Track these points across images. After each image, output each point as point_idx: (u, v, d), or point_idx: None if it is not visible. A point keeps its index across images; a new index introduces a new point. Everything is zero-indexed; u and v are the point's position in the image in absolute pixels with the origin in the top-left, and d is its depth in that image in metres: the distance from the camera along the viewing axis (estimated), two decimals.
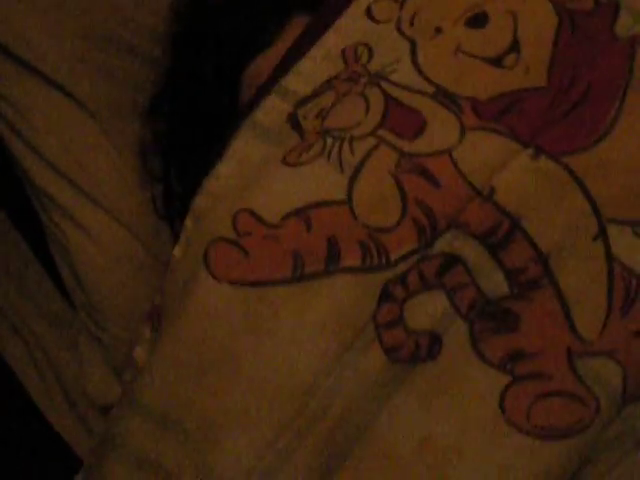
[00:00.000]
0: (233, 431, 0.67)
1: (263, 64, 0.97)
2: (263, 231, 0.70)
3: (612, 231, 0.66)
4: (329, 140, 0.71)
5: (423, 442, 0.66)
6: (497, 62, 0.72)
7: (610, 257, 0.66)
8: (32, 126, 1.10)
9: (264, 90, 0.80)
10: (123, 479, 0.72)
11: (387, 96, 0.72)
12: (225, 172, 0.77)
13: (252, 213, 0.71)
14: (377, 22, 0.78)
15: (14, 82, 1.11)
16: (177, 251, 0.78)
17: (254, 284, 0.69)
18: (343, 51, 0.77)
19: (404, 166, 0.69)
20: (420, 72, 0.73)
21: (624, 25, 0.74)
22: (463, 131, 0.70)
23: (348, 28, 0.79)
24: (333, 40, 0.79)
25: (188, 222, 0.79)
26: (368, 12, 0.78)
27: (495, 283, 0.66)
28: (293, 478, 0.67)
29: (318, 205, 0.69)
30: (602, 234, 0.66)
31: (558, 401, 0.65)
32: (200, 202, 0.78)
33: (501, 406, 0.65)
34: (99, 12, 1.13)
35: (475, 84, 0.72)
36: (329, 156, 0.70)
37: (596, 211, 0.66)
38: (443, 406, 0.66)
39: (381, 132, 0.70)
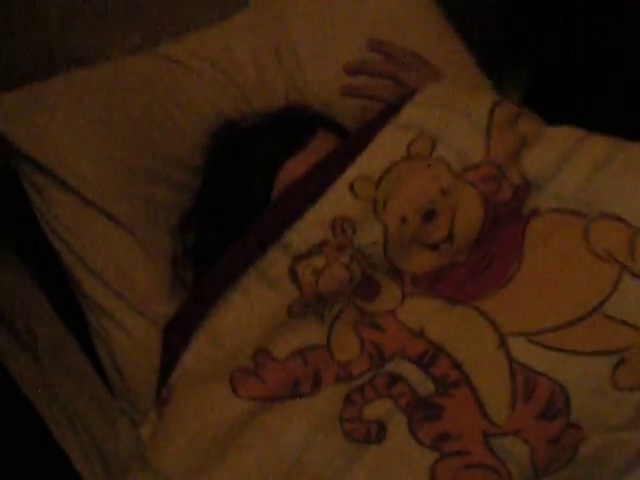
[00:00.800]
0: None
1: (293, 165, 1.19)
2: (274, 365, 0.97)
3: (510, 341, 0.89)
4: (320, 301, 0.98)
5: None
6: (435, 247, 0.98)
7: (511, 360, 0.88)
8: (83, 245, 1.28)
9: (267, 240, 1.02)
10: None
11: (363, 271, 0.98)
12: (240, 305, 1.02)
13: (266, 352, 0.98)
14: (358, 198, 1.00)
15: (69, 209, 1.29)
16: (188, 361, 1.01)
17: (264, 399, 0.95)
18: (332, 223, 1.00)
19: (361, 320, 0.97)
20: (385, 253, 0.98)
21: (529, 204, 0.99)
22: (404, 296, 0.97)
23: (335, 200, 1.01)
24: (326, 209, 1.01)
25: (203, 338, 1.02)
26: (351, 188, 1.01)
27: (425, 387, 0.92)
28: None
29: (309, 348, 0.96)
30: (502, 344, 0.89)
31: (478, 472, 0.87)
32: (220, 325, 1.01)
33: (432, 477, 0.87)
34: (139, 150, 1.32)
35: (417, 264, 1.00)
36: (316, 312, 0.98)
37: (496, 330, 0.90)
38: (387, 477, 0.90)
39: (352, 297, 0.98)
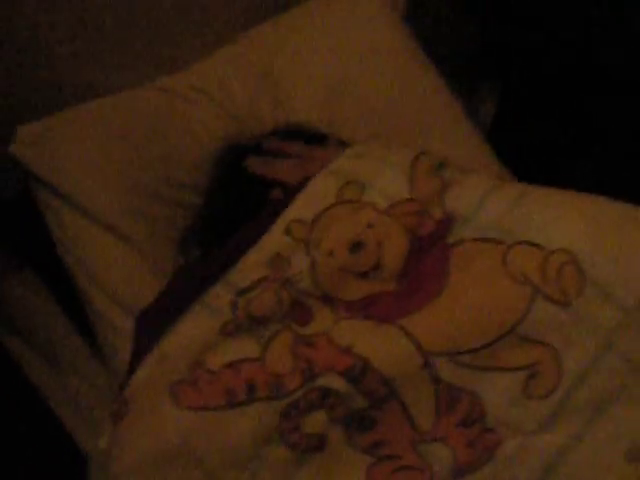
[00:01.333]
0: None
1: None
2: (209, 376, 1.04)
3: (433, 360, 1.00)
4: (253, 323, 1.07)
5: None
6: (364, 276, 1.08)
7: (435, 378, 1.00)
8: (94, 263, 1.40)
9: (212, 278, 1.13)
10: None
11: (293, 297, 1.08)
12: (183, 331, 1.10)
13: (201, 365, 1.06)
14: (293, 238, 1.12)
15: (82, 229, 1.42)
16: (140, 374, 1.10)
17: (202, 409, 1.02)
18: (270, 261, 1.11)
19: (297, 341, 1.05)
20: (315, 282, 1.08)
21: (454, 235, 1.09)
22: (337, 320, 1.06)
23: (273, 241, 1.13)
24: (265, 250, 1.13)
25: (151, 359, 1.10)
26: (287, 230, 1.13)
27: (357, 401, 1.01)
28: None
29: (243, 360, 1.04)
30: (427, 365, 1.00)
31: (406, 473, 1.00)
32: (166, 347, 1.10)
33: (368, 478, 1.00)
34: (144, 173, 1.46)
35: (348, 291, 1.09)
36: (251, 332, 1.07)
37: (420, 350, 1.01)
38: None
39: (287, 320, 1.07)
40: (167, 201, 1.46)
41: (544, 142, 1.43)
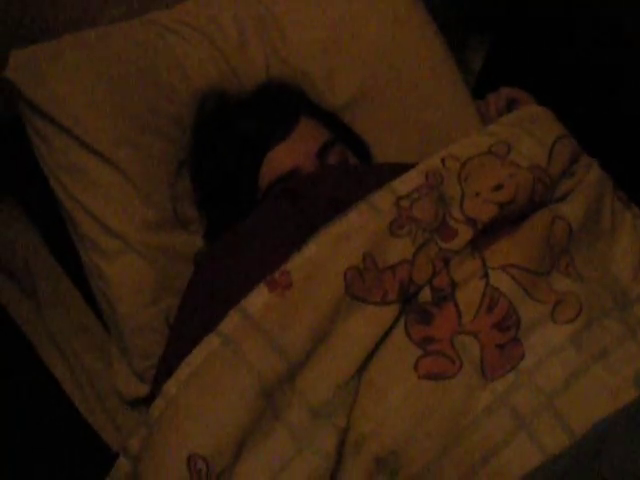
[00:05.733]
0: None
1: (279, 154, 1.41)
2: (375, 274, 1.17)
3: (492, 272, 1.16)
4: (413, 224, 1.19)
5: None
6: (501, 207, 1.21)
7: (487, 284, 1.15)
8: (82, 188, 1.44)
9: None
10: None
11: (443, 214, 1.21)
12: (352, 221, 1.20)
13: (373, 259, 1.17)
14: (446, 168, 1.26)
15: (71, 154, 1.45)
16: (311, 250, 1.18)
17: (362, 300, 1.15)
18: (426, 174, 1.25)
19: (438, 254, 1.18)
20: (461, 210, 1.21)
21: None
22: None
23: (430, 163, 1.28)
24: (421, 166, 1.27)
25: (325, 237, 1.19)
26: (442, 160, 1.27)
27: (424, 295, 1.16)
28: None
29: (401, 262, 1.18)
30: (485, 275, 1.16)
31: (437, 358, 1.11)
32: (338, 230, 1.19)
33: (415, 367, 1.10)
34: (136, 103, 1.48)
35: (484, 212, 1.21)
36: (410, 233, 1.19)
37: (484, 264, 1.17)
38: (385, 364, 1.13)
39: (435, 233, 1.20)
40: (158, 133, 1.50)
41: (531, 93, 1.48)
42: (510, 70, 1.79)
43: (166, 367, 1.20)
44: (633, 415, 1.05)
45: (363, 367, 1.11)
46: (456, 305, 1.14)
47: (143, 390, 1.44)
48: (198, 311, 1.25)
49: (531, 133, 1.33)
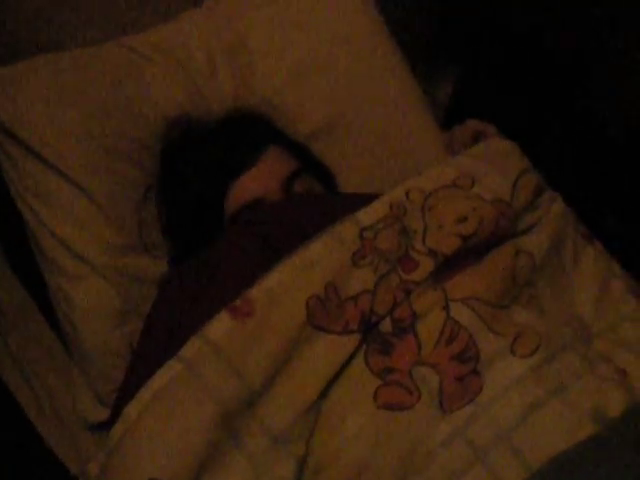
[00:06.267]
0: None
1: (245, 183, 1.42)
2: (338, 303, 1.17)
3: (453, 305, 1.17)
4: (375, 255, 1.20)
5: None
6: (464, 239, 1.22)
7: (447, 316, 1.16)
8: (50, 212, 1.45)
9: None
10: None
11: (406, 246, 1.22)
12: (316, 251, 1.20)
13: (335, 289, 1.18)
14: (410, 201, 1.27)
15: (40, 179, 1.46)
16: (275, 277, 1.18)
17: (322, 330, 1.15)
18: (390, 205, 1.26)
19: (399, 285, 1.19)
20: (424, 242, 1.22)
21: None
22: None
23: (394, 195, 1.28)
24: (386, 198, 1.27)
25: (290, 266, 1.19)
26: (406, 193, 1.28)
27: (385, 325, 1.16)
28: None
29: (362, 292, 1.18)
30: (446, 307, 1.16)
31: (396, 389, 1.11)
32: (301, 261, 1.19)
33: (374, 396, 1.10)
34: (106, 129, 1.49)
35: (447, 245, 1.22)
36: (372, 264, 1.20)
37: (445, 296, 1.17)
38: (345, 393, 1.13)
39: (397, 264, 1.20)
40: (126, 159, 1.51)
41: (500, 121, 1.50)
42: (477, 102, 1.81)
43: (127, 391, 1.20)
44: (589, 451, 1.06)
45: (323, 395, 1.12)
46: (416, 336, 1.15)
47: (104, 414, 1.45)
48: (160, 336, 1.25)
49: (496, 166, 1.34)
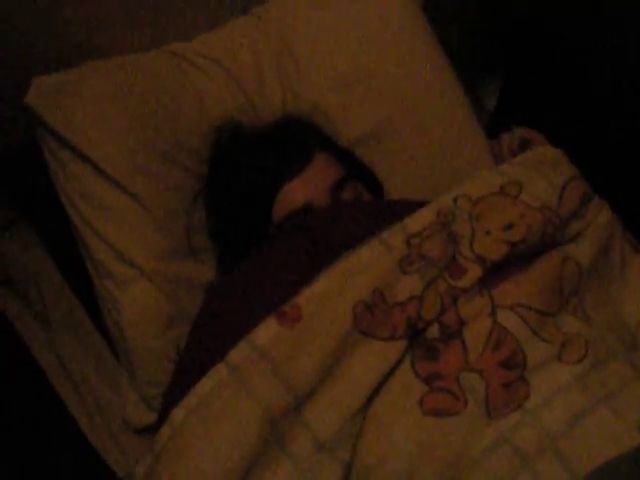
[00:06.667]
0: None
1: (293, 189, 1.43)
2: (385, 309, 1.18)
3: (498, 310, 1.16)
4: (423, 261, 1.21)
5: None
6: (512, 246, 1.22)
7: (494, 322, 1.15)
8: (98, 215, 1.47)
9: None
10: None
11: (453, 252, 1.22)
12: (364, 258, 1.21)
13: (381, 294, 1.19)
14: (457, 207, 1.27)
15: (88, 182, 1.48)
16: (321, 285, 1.19)
17: (371, 336, 1.16)
18: (437, 212, 1.26)
19: (447, 291, 1.19)
20: (471, 249, 1.22)
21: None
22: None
23: (441, 201, 1.28)
24: (433, 205, 1.28)
25: (335, 273, 1.20)
26: (454, 200, 1.28)
27: (432, 330, 1.16)
28: None
29: (410, 299, 1.19)
30: (493, 313, 1.16)
31: (443, 395, 1.11)
32: (347, 266, 1.20)
33: (420, 403, 1.10)
34: (154, 133, 1.51)
35: (494, 251, 1.22)
36: (419, 270, 1.21)
37: (492, 303, 1.17)
38: (391, 399, 1.13)
39: (444, 270, 1.20)
40: (175, 164, 1.53)
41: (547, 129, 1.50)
42: (524, 110, 1.80)
43: (174, 395, 1.21)
44: (636, 461, 1.06)
45: (369, 401, 1.13)
46: (463, 342, 1.15)
47: (151, 418, 1.47)
48: (207, 341, 1.26)
49: (543, 174, 1.34)
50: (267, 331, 1.15)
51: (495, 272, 1.21)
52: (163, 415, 1.21)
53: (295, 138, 1.50)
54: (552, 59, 1.78)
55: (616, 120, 1.69)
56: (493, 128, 1.71)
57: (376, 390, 1.13)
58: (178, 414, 1.13)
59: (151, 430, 1.45)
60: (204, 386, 1.13)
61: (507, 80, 1.88)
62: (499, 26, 1.82)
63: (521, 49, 1.82)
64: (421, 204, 1.29)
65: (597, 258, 1.30)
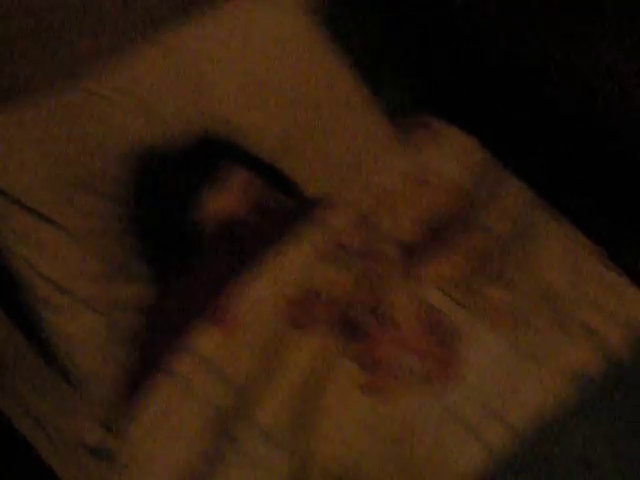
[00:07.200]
0: None
1: (216, 204, 1.49)
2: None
3: (425, 290, 1.27)
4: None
5: None
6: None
7: (423, 302, 1.26)
8: (30, 248, 1.49)
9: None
10: None
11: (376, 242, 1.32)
12: None
13: None
14: (374, 197, 1.38)
15: (20, 222, 1.50)
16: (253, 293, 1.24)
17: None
18: (355, 205, 1.37)
19: None
20: (390, 234, 1.34)
21: None
22: None
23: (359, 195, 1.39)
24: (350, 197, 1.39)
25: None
26: (370, 190, 1.40)
27: (363, 318, 1.23)
28: None
29: None
30: (420, 293, 1.27)
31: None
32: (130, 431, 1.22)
33: (361, 386, 1.19)
34: (75, 167, 1.56)
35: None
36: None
37: (418, 283, 1.27)
38: None
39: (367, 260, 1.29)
40: (98, 193, 1.57)
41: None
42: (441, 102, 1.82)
43: (125, 411, 1.26)
44: (573, 409, 1.15)
45: (312, 391, 1.18)
46: (395, 324, 1.21)
47: (106, 436, 1.48)
48: (150, 354, 1.31)
49: (453, 157, 1.41)
50: (205, 337, 1.21)
51: (416, 253, 1.28)
52: (117, 432, 1.26)
53: (212, 156, 1.56)
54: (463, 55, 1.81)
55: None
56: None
57: (317, 380, 1.18)
58: (130, 429, 1.19)
59: (108, 450, 1.46)
60: (152, 399, 1.19)
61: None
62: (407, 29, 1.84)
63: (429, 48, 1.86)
64: (338, 200, 1.35)
65: (515, 229, 1.37)
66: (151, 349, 1.32)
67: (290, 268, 1.25)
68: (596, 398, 1.15)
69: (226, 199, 1.49)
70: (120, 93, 1.67)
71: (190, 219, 1.50)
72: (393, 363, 1.17)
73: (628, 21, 1.37)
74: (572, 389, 1.15)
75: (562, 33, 1.52)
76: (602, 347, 1.21)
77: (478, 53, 1.70)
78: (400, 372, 1.16)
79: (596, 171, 1.53)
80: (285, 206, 1.55)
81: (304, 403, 1.17)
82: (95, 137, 1.61)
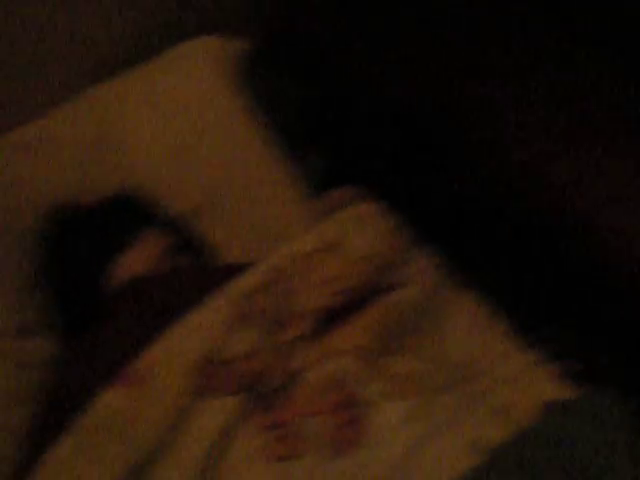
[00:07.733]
0: None
1: (124, 263, 1.51)
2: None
3: (333, 357, 1.28)
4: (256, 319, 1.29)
5: None
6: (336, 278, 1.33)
7: (330, 369, 1.25)
8: None
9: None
10: None
11: (287, 308, 1.30)
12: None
13: None
14: (287, 264, 1.35)
15: None
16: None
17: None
18: (268, 271, 1.33)
19: None
20: (302, 302, 1.31)
21: None
22: None
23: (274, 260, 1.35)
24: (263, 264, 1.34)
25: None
26: (283, 257, 1.35)
27: (269, 383, 1.22)
28: None
29: None
30: (327, 360, 1.26)
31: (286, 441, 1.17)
32: None
33: (264, 451, 1.16)
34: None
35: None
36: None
37: (326, 350, 1.29)
38: None
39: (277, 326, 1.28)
40: (7, 248, 1.58)
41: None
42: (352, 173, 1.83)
43: (26, 471, 1.22)
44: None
45: (215, 457, 1.16)
46: (301, 389, 1.21)
47: None
48: (53, 412, 1.28)
49: (363, 227, 1.42)
50: (109, 396, 1.19)
51: (328, 321, 1.28)
52: None
53: (124, 212, 1.58)
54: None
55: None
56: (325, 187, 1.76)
57: (221, 445, 1.16)
58: None
59: None
60: (55, 456, 1.16)
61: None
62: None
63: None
64: (251, 265, 1.34)
65: (425, 300, 1.38)
66: (56, 407, 1.30)
67: (197, 331, 1.24)
68: (498, 469, 1.15)
69: (138, 259, 1.51)
70: (31, 150, 1.69)
71: (102, 277, 1.51)
72: (298, 429, 1.16)
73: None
74: (474, 460, 1.15)
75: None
76: (505, 419, 1.21)
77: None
78: (303, 436, 1.16)
79: (509, 246, 1.53)
80: (198, 268, 1.56)
81: (207, 471, 1.15)
82: (6, 190, 1.61)
